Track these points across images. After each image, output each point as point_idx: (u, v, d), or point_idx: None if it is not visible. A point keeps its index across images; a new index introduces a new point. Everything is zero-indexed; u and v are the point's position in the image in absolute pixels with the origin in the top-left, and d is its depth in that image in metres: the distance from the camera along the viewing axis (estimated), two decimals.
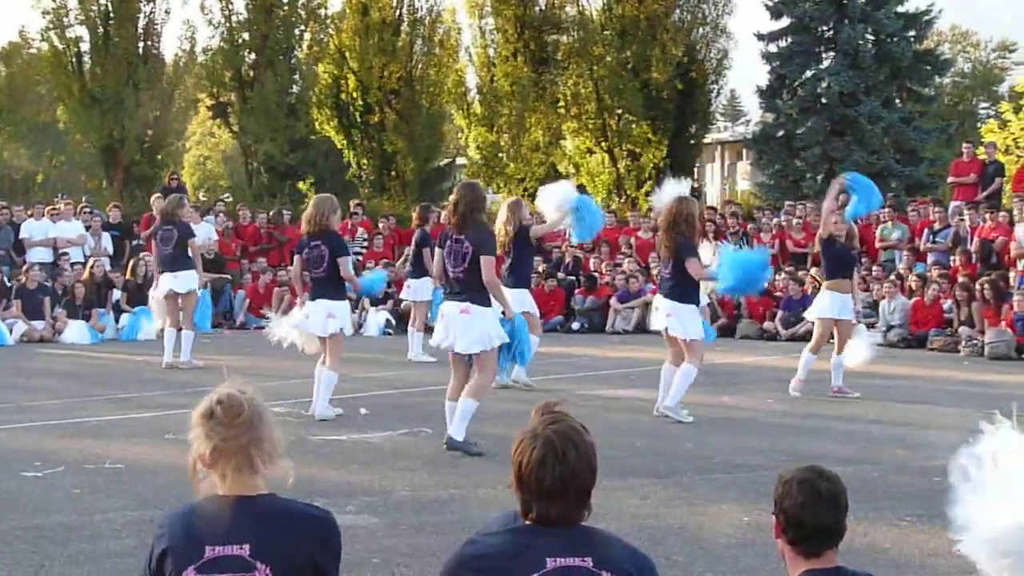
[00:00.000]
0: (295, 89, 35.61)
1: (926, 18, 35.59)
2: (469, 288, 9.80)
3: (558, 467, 3.47)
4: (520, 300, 13.24)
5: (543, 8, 36.20)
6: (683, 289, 11.85)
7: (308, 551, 3.65)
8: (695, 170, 40.67)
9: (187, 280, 16.11)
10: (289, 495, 3.77)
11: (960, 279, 20.18)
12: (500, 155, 35.62)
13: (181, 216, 16.47)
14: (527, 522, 3.58)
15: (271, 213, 26.31)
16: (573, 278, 23.94)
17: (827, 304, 13.80)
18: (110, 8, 33.69)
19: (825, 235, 13.91)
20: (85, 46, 34.13)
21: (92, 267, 21.65)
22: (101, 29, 33.65)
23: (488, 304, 9.86)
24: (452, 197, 10.15)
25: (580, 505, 3.55)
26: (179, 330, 16.12)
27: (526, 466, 3.50)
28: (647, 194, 33.36)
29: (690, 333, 11.85)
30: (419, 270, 17.11)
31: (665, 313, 11.95)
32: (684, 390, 11.89)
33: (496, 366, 10.09)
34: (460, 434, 9.77)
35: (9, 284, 20.93)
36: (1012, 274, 20.39)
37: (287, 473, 3.74)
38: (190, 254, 16.25)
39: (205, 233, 23.94)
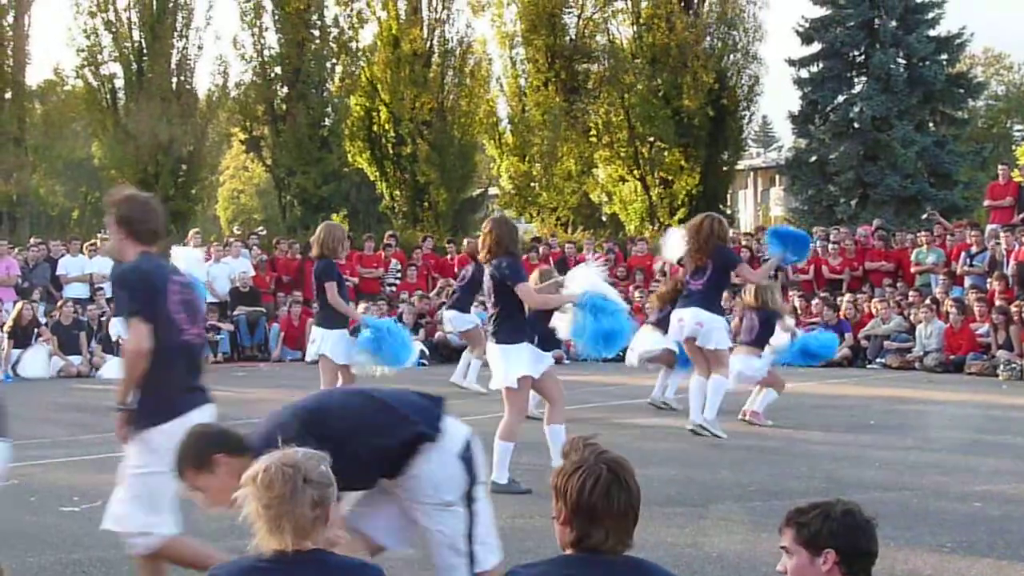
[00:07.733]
0: (327, 122, 35.71)
1: (958, 41, 35.56)
2: (496, 324, 9.60)
3: (623, 495, 3.54)
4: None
5: (573, 37, 36.33)
6: (712, 300, 12.15)
7: None
8: (728, 196, 40.62)
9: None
10: None
11: (997, 302, 20.00)
12: (532, 185, 35.66)
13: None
14: (570, 552, 3.58)
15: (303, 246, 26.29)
16: None
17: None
18: (143, 45, 33.93)
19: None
20: (119, 83, 34.39)
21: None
22: (135, 66, 33.89)
23: (513, 341, 9.45)
24: (483, 230, 9.84)
25: (628, 535, 3.57)
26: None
27: (589, 492, 3.52)
28: (680, 221, 33.36)
29: (717, 343, 11.99)
30: (466, 303, 17.40)
31: (695, 322, 12.03)
32: (718, 403, 11.87)
33: (525, 406, 9.92)
34: (502, 478, 9.37)
35: (45, 320, 21.05)
36: None
37: (333, 542, 3.86)
38: None
39: (241, 267, 24.06)
